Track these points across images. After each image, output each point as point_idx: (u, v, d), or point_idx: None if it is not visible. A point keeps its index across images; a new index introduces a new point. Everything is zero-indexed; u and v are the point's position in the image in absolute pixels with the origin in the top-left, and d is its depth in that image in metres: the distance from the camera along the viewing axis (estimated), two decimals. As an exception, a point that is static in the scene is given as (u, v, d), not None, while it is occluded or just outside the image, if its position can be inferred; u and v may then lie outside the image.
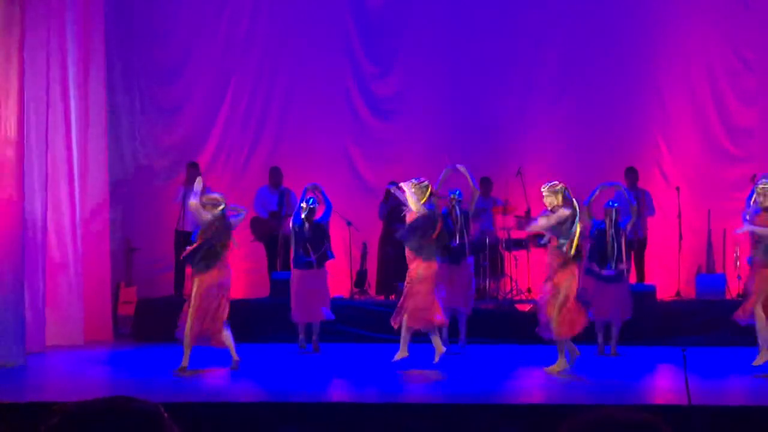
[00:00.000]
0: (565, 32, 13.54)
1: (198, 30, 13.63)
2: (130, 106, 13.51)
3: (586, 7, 13.52)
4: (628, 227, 10.55)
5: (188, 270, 12.60)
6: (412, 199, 9.26)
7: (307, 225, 10.64)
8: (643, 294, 11.48)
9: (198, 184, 9.30)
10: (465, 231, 10.70)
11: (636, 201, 12.51)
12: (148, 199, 13.44)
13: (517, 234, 12.82)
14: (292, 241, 10.80)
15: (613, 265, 10.31)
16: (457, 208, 10.74)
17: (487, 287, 12.50)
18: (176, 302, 12.04)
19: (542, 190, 9.11)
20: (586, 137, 13.43)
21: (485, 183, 13.08)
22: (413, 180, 9.34)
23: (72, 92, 11.59)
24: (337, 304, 11.33)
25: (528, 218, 12.61)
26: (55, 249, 11.26)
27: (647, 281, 12.53)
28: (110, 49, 12.70)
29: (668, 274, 12.93)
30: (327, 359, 10.24)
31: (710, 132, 13.42)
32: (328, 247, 10.85)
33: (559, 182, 9.15)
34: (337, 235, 12.48)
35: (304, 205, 10.67)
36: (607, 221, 10.39)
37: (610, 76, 13.49)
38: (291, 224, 10.81)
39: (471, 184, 10.75)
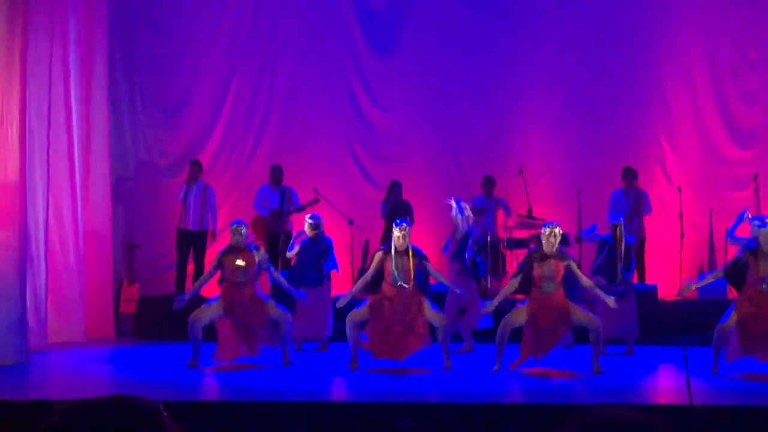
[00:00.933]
0: (569, 31, 13.52)
1: (200, 28, 13.62)
2: (132, 104, 13.51)
3: (589, 6, 13.52)
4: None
5: (190, 267, 12.66)
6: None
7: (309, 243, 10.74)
8: (645, 293, 11.47)
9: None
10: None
11: (633, 201, 12.55)
12: (150, 196, 13.45)
13: (518, 233, 12.83)
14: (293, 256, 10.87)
15: (620, 281, 10.29)
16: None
17: (489, 286, 12.49)
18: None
19: (555, 230, 9.06)
20: (588, 136, 13.44)
21: (488, 182, 13.09)
22: (405, 224, 9.35)
23: (74, 90, 11.60)
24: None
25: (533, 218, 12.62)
26: (57, 246, 11.27)
27: (648, 281, 12.54)
28: (112, 47, 12.71)
29: (670, 274, 12.92)
30: (330, 358, 10.23)
31: (713, 131, 13.41)
32: (330, 261, 10.85)
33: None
34: (339, 234, 12.49)
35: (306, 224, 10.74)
36: (617, 234, 10.33)
37: (613, 75, 13.48)
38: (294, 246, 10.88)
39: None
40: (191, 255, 12.68)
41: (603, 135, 13.42)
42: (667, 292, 12.69)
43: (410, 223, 12.65)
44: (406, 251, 9.22)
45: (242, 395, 8.10)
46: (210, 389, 8.79)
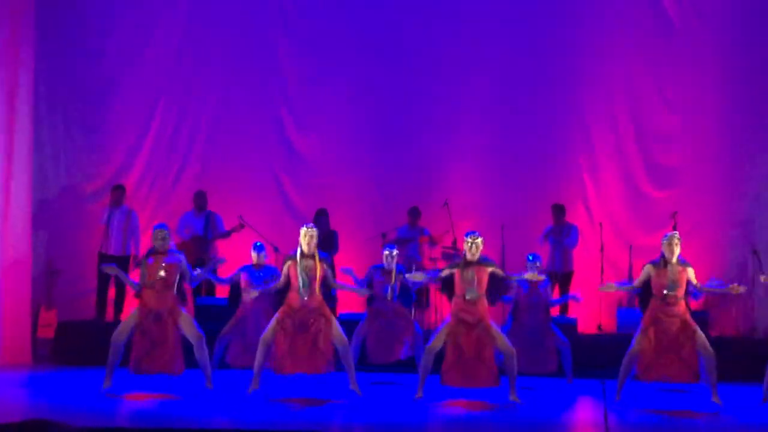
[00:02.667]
0: (494, 68, 13.72)
1: (126, 51, 13.55)
2: (56, 127, 13.33)
3: (514, 45, 13.73)
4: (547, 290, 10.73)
5: (111, 292, 12.49)
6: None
7: None
8: (565, 327, 11.60)
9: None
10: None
11: (559, 235, 12.79)
12: (72, 221, 13.26)
13: (443, 264, 12.90)
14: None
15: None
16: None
17: (413, 316, 12.53)
18: (98, 325, 11.97)
19: (477, 240, 9.19)
20: (513, 170, 13.61)
21: (413, 212, 13.19)
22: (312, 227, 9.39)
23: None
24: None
25: (455, 250, 12.72)
26: (-25, 269, 11.06)
27: (570, 314, 12.71)
28: (38, 69, 12.51)
29: (589, 308, 13.11)
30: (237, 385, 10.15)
31: (633, 170, 13.67)
32: None
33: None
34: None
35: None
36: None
37: (537, 111, 13.69)
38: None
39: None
40: (112, 280, 12.53)
41: (527, 171, 13.60)
42: (586, 326, 12.89)
43: (335, 252, 12.73)
44: (313, 256, 9.22)
45: (158, 422, 7.99)
46: (125, 416, 8.64)
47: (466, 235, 9.30)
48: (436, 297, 12.85)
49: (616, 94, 13.70)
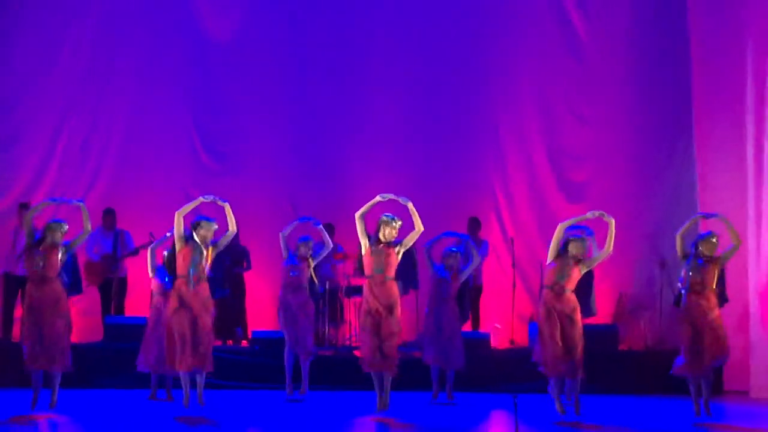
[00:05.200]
0: (407, 85, 13.83)
1: (33, 65, 13.32)
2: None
3: (426, 62, 13.85)
4: (466, 273, 10.67)
5: (18, 312, 12.19)
6: None
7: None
8: (478, 341, 11.69)
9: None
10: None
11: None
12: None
13: (356, 281, 12.90)
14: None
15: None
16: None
17: (327, 333, 12.53)
18: (5, 345, 11.71)
19: (398, 223, 9.23)
20: (427, 185, 13.65)
21: (328, 229, 13.14)
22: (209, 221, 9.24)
23: None
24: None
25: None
26: None
27: (482, 329, 12.79)
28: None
29: (502, 323, 13.21)
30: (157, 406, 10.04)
31: (545, 184, 13.85)
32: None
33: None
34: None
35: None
36: (451, 267, 10.49)
37: (450, 128, 13.82)
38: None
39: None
40: (18, 299, 12.27)
41: (441, 187, 13.67)
42: (499, 340, 12.98)
43: (247, 268, 12.67)
44: (206, 246, 9.02)
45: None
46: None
47: (386, 215, 9.30)
48: (351, 313, 12.85)
49: (527, 110, 13.88)
